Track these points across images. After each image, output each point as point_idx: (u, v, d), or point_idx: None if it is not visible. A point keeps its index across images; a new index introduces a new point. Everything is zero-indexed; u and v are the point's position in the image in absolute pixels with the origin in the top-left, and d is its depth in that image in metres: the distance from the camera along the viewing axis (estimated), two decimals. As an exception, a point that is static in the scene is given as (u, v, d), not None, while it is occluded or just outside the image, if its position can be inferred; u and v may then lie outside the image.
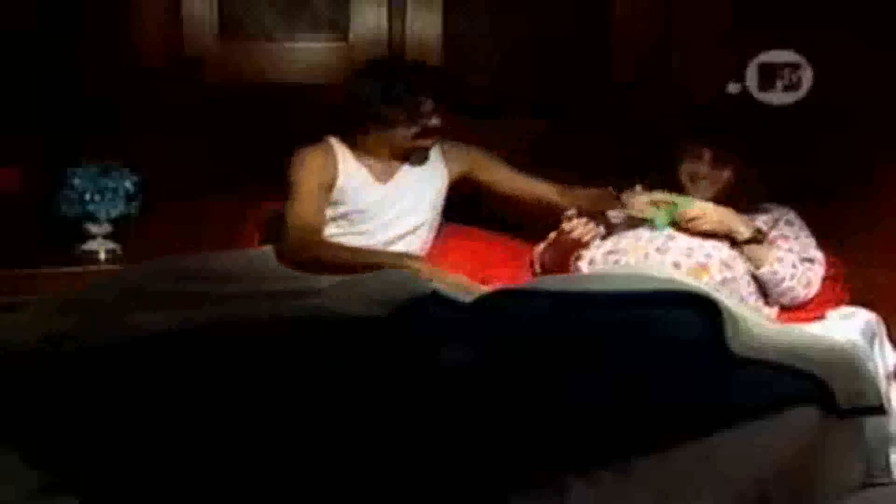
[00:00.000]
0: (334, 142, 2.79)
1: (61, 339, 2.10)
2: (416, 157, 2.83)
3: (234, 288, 2.43)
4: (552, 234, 2.73)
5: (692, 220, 2.57)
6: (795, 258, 2.59)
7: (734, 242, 2.59)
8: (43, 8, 2.99)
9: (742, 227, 2.58)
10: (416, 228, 2.79)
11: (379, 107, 2.70)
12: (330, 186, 2.73)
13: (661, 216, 2.58)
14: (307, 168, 2.72)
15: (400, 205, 2.77)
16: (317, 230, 2.71)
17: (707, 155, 2.66)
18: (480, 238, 2.99)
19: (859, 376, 2.04)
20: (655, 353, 2.00)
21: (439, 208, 2.88)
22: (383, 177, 2.79)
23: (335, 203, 2.75)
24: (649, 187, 2.64)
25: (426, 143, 2.78)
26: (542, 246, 2.81)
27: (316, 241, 2.69)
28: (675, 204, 2.58)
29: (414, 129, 2.73)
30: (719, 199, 2.65)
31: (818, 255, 2.65)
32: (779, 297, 2.60)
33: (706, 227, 2.57)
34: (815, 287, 2.62)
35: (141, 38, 3.14)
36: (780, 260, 2.56)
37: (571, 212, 2.60)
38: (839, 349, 2.14)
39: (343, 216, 2.75)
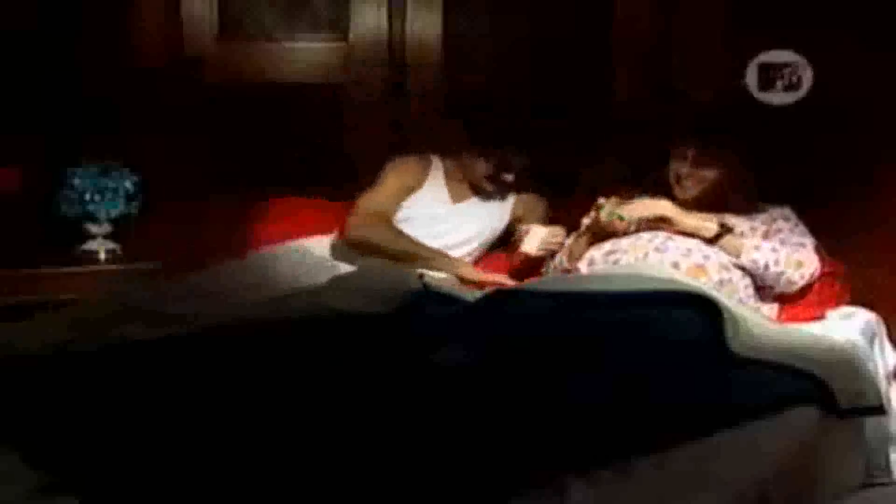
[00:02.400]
0: (434, 157, 2.96)
1: (61, 344, 2.10)
2: (485, 193, 2.95)
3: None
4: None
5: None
6: (775, 243, 2.58)
7: (707, 241, 2.58)
8: (43, 8, 3.00)
9: (706, 224, 2.58)
10: (453, 248, 2.87)
11: (467, 143, 2.91)
12: (411, 190, 2.89)
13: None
14: (398, 170, 2.91)
15: (455, 227, 2.90)
16: (383, 213, 2.83)
17: (689, 154, 2.66)
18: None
19: (859, 376, 2.04)
20: (655, 353, 1.99)
21: (487, 246, 2.99)
22: (456, 198, 2.96)
23: (408, 207, 2.88)
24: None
25: (489, 187, 2.93)
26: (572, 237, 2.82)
27: (378, 220, 2.79)
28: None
29: (489, 171, 2.89)
30: (706, 200, 2.65)
31: (809, 241, 2.64)
32: (777, 287, 2.58)
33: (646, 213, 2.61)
34: (811, 268, 2.59)
35: (141, 38, 3.14)
36: (756, 248, 2.55)
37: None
38: (839, 349, 2.13)
39: (408, 219, 2.87)
